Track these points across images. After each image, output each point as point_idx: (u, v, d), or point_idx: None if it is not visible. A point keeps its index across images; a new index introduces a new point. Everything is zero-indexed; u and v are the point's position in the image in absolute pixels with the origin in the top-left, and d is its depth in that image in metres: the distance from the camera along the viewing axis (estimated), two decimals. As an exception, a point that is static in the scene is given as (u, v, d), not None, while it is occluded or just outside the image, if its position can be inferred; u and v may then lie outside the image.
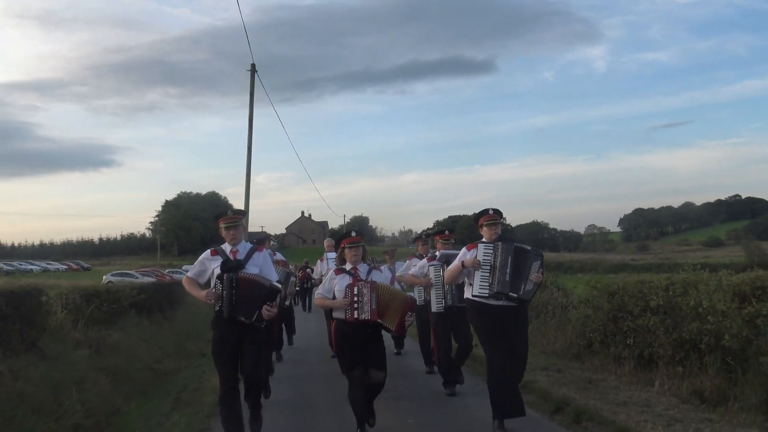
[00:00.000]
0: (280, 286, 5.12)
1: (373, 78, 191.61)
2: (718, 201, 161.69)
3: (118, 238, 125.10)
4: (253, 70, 20.06)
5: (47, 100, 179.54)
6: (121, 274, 48.33)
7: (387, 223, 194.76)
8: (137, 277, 44.52)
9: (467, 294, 5.63)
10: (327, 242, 9.61)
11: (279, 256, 8.84)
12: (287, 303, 9.05)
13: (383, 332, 5.32)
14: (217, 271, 4.90)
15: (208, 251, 5.12)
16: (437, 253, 7.28)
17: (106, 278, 41.84)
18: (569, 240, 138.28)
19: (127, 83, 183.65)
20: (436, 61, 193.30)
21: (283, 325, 9.91)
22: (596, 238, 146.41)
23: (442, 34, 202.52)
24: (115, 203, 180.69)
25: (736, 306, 5.77)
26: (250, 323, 4.81)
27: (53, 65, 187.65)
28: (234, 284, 4.79)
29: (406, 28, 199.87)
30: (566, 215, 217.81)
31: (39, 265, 70.30)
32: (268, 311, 4.84)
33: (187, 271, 5.30)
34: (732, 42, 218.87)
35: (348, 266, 5.38)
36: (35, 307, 6.61)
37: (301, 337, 12.07)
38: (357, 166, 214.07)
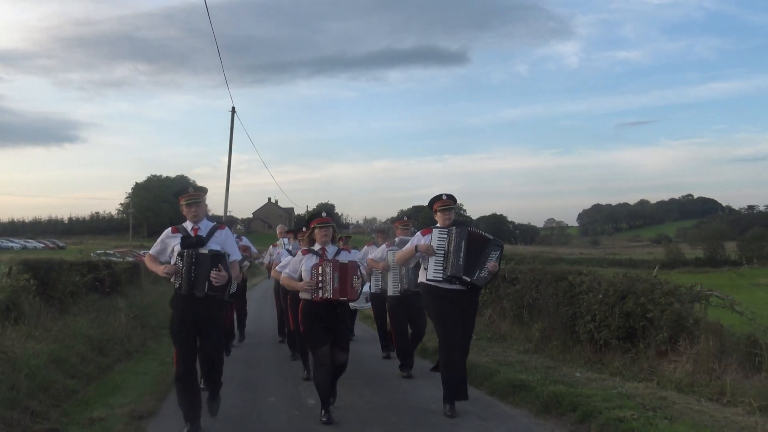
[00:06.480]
0: (222, 250, 4.87)
1: (347, 64, 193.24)
2: (672, 199, 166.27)
3: (87, 217, 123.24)
4: (233, 113, 23.95)
5: (11, 71, 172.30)
6: (103, 254, 52.38)
7: (352, 210, 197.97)
8: (119, 257, 48.43)
9: (422, 278, 5.69)
10: (279, 228, 9.70)
11: (245, 241, 9.06)
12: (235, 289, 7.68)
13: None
14: (178, 248, 4.79)
15: (169, 229, 5.02)
16: (396, 239, 7.45)
17: (93, 256, 45.68)
18: (526, 233, 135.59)
19: (95, 57, 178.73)
20: (410, 50, 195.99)
21: (235, 315, 9.30)
22: (554, 232, 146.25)
23: (416, 23, 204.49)
24: (79, 180, 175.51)
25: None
26: (203, 295, 4.69)
27: (19, 36, 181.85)
28: (193, 260, 4.69)
29: (381, 14, 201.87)
30: (530, 208, 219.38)
31: (18, 243, 72.21)
32: (216, 276, 4.67)
33: None
34: (700, 44, 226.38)
35: (317, 247, 5.39)
36: (138, 270, 12.95)
37: (254, 322, 12.41)
38: (327, 150, 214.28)
